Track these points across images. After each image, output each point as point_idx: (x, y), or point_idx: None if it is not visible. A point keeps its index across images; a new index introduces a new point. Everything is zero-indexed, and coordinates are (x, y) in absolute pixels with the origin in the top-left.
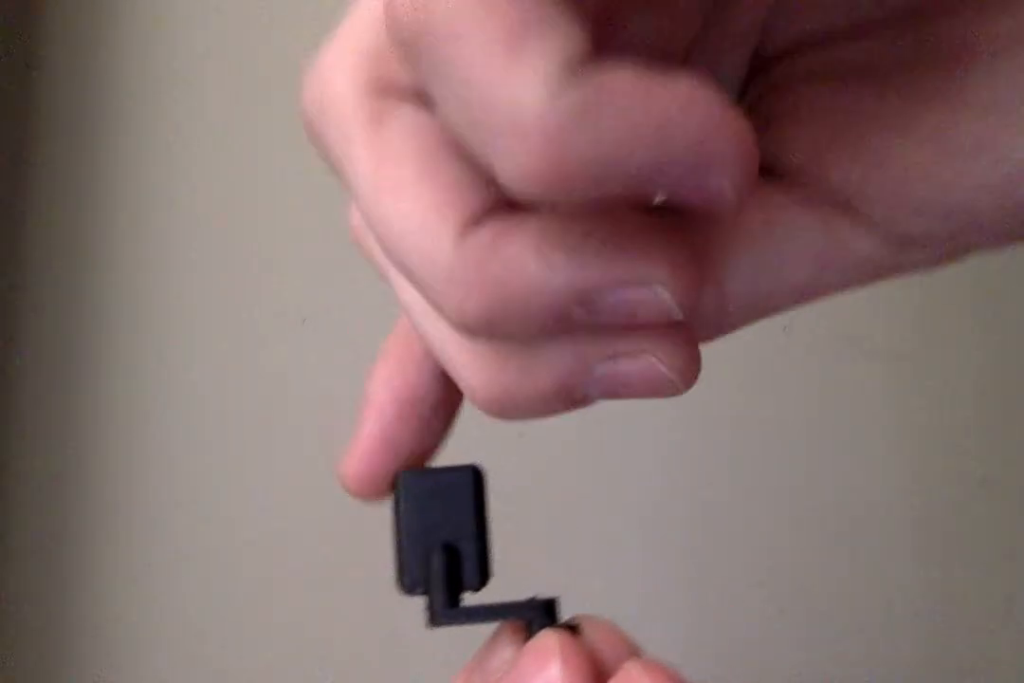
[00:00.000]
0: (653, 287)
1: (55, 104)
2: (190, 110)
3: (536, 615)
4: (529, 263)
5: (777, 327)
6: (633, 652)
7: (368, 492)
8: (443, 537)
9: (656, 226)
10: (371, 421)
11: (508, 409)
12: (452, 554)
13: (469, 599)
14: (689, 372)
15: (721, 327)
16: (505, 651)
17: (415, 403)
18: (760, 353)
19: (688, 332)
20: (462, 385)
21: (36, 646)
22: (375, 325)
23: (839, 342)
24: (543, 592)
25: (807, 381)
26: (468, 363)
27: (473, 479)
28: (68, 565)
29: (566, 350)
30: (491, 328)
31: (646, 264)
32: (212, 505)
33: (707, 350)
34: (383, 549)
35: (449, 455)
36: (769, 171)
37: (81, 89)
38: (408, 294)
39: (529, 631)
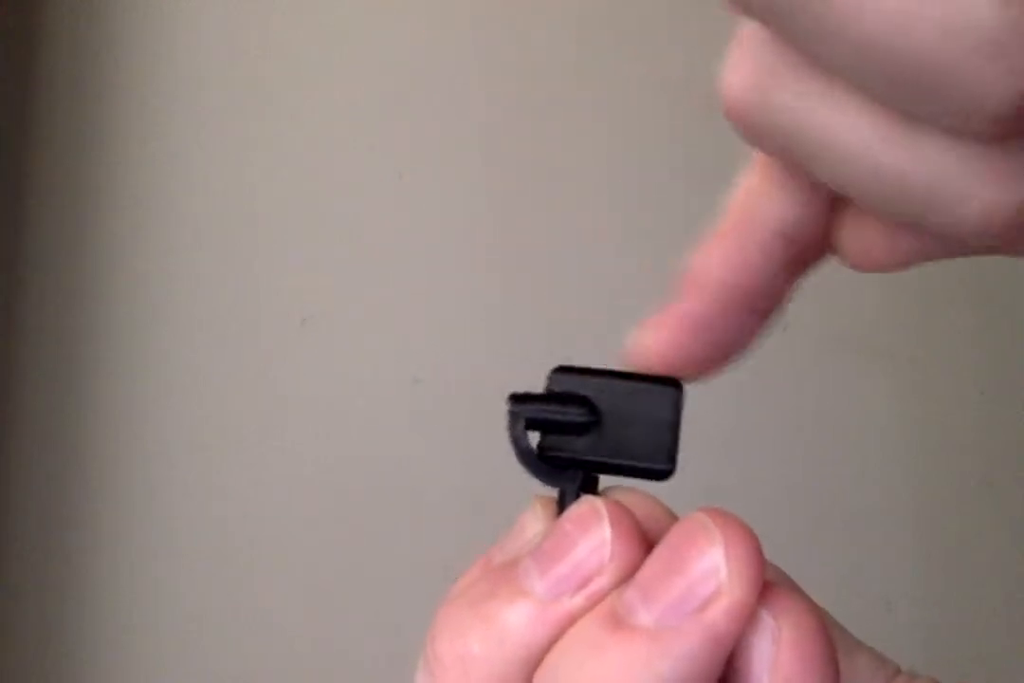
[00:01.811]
0: None
1: (56, 104)
2: (191, 113)
3: (570, 488)
4: None
5: (776, 328)
6: (675, 521)
7: (665, 366)
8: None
9: None
10: (690, 298)
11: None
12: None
13: None
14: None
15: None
16: (536, 525)
17: (749, 291)
18: (760, 352)
19: None
20: (963, 209)
21: (36, 646)
22: (375, 325)
23: (839, 342)
24: None
25: (807, 380)
26: (984, 173)
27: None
28: (68, 565)
29: None
30: None
31: None
32: (212, 504)
33: None
34: (383, 549)
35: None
36: None
37: (82, 90)
38: (857, 126)
39: (561, 505)
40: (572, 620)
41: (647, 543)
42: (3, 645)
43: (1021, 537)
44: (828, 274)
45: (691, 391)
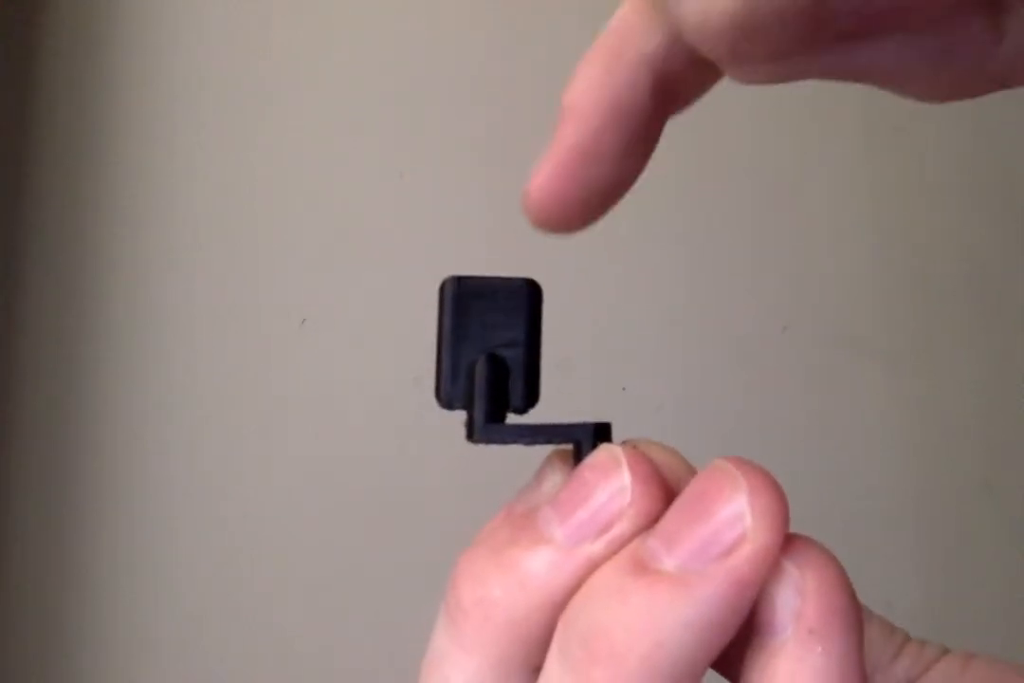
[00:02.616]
0: None
1: (57, 104)
2: (191, 113)
3: (587, 439)
4: None
5: (777, 327)
6: (693, 472)
7: (554, 216)
8: (491, 347)
9: None
10: (570, 131)
11: (744, 30)
12: (498, 365)
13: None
14: None
15: (984, 79)
16: (554, 476)
17: (626, 114)
18: (760, 352)
19: None
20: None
21: (36, 646)
22: (375, 325)
23: (839, 342)
24: None
25: (807, 381)
26: None
27: (529, 290)
28: (68, 565)
29: None
30: None
31: None
32: (212, 504)
33: (707, 350)
34: (383, 549)
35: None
36: None
37: (82, 90)
38: None
39: (578, 457)
40: (593, 566)
41: (667, 490)
42: (3, 645)
43: (1021, 537)
44: (828, 274)
45: (691, 391)
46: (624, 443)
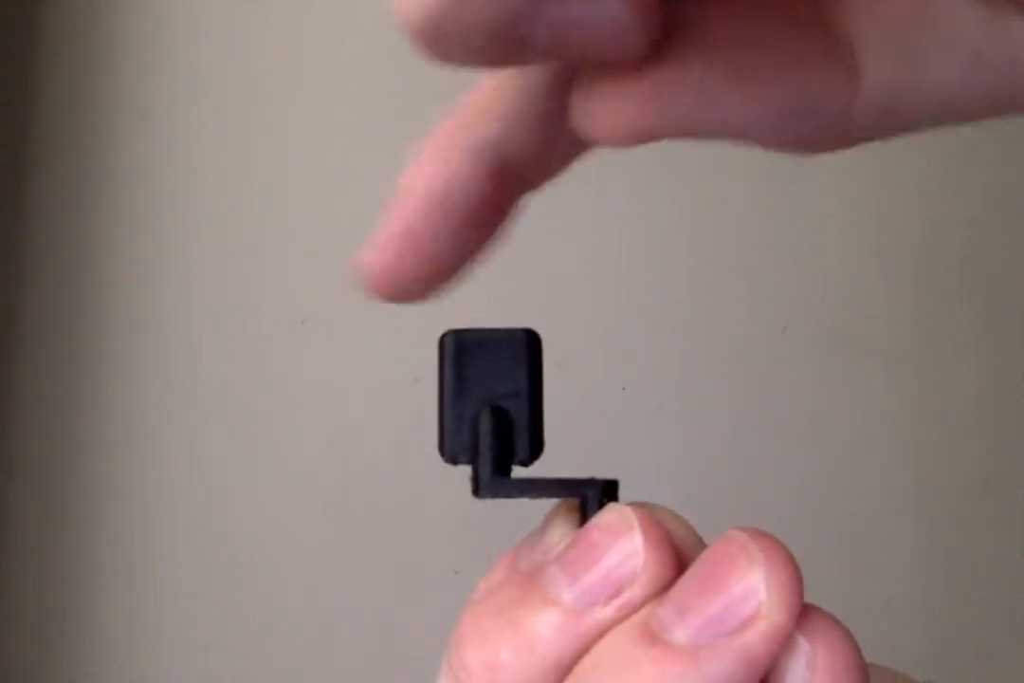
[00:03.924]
0: None
1: (57, 104)
2: (191, 113)
3: (593, 495)
4: None
5: (777, 327)
6: (699, 539)
7: (387, 291)
8: (493, 399)
9: None
10: (398, 212)
11: (439, 39)
12: (502, 418)
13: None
14: (651, 27)
15: (847, 130)
16: (560, 530)
17: (456, 197)
18: (760, 353)
19: None
20: (396, 9)
21: (36, 646)
22: (375, 325)
23: (839, 342)
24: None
25: (806, 381)
26: None
27: (528, 340)
28: (68, 566)
29: None
30: None
31: None
32: (212, 504)
33: (707, 350)
34: (384, 549)
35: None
36: None
37: (82, 90)
38: None
39: (584, 513)
40: (602, 631)
41: (678, 557)
42: (3, 645)
43: (1021, 537)
44: (828, 274)
45: (691, 391)
46: (632, 504)
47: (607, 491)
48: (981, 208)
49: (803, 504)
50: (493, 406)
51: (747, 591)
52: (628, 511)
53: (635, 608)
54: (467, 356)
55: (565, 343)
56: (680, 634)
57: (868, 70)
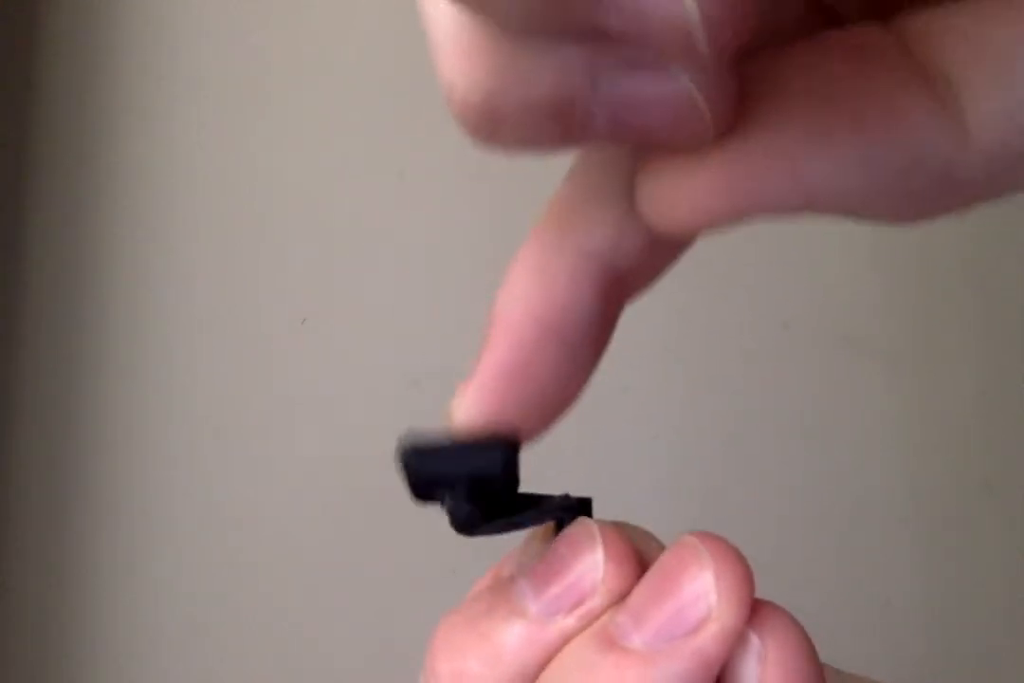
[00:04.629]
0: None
1: (57, 104)
2: (191, 112)
3: (567, 515)
4: None
5: (777, 325)
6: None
7: (483, 430)
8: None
9: None
10: (499, 346)
11: (490, 117)
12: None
13: None
14: (723, 105)
15: (956, 188)
16: (536, 544)
17: (564, 328)
18: (760, 352)
19: (731, 60)
20: (444, 84)
21: (36, 646)
22: (375, 325)
23: (839, 341)
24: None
25: (807, 380)
26: (456, 52)
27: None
28: (68, 566)
29: (574, 50)
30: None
31: None
32: (211, 504)
33: (707, 349)
34: (384, 550)
35: None
36: None
37: (82, 89)
38: None
39: (559, 529)
40: (565, 640)
41: (640, 566)
42: (3, 645)
43: (1021, 537)
44: (828, 273)
45: (691, 391)
46: (600, 520)
47: (580, 509)
48: (982, 209)
49: (803, 504)
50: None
51: (697, 595)
52: (593, 525)
53: (596, 617)
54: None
55: None
56: (637, 639)
57: (975, 108)
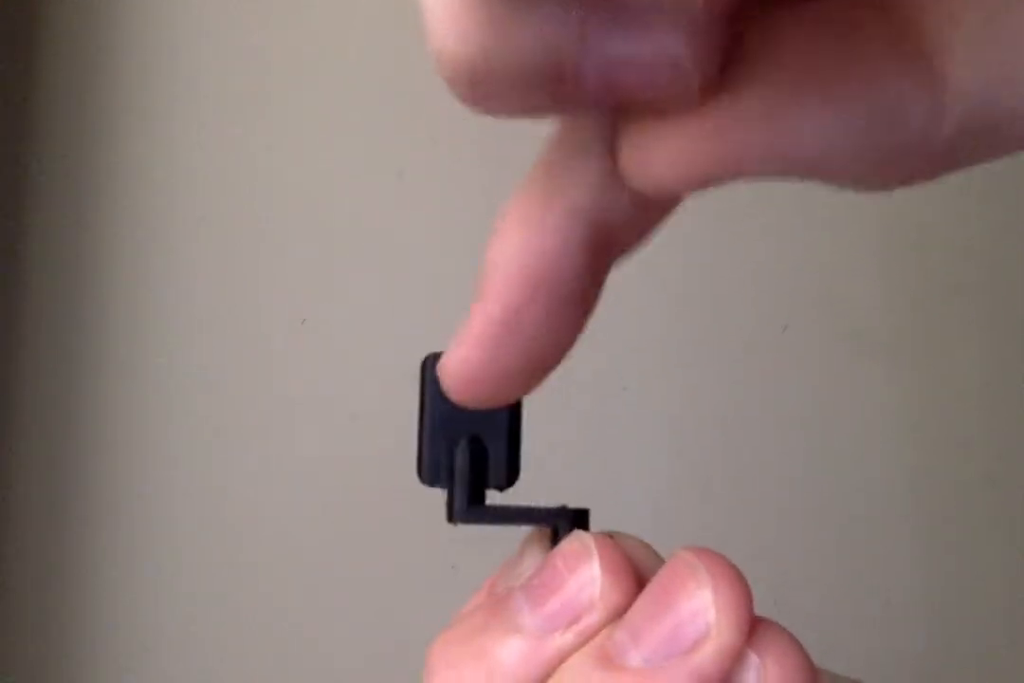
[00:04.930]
0: None
1: (57, 104)
2: (191, 112)
3: (564, 524)
4: None
5: (777, 325)
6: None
7: (478, 391)
8: (471, 429)
9: None
10: (490, 301)
11: (481, 80)
12: (479, 447)
13: (494, 500)
14: (711, 65)
15: (934, 150)
16: (532, 557)
17: (553, 280)
18: (760, 351)
19: (720, 17)
20: (434, 48)
21: (36, 646)
22: (375, 325)
23: (839, 340)
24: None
25: (807, 379)
26: (445, 14)
27: None
28: (68, 566)
29: (563, 9)
30: None
31: None
32: (211, 504)
33: (707, 349)
34: (384, 550)
35: None
36: None
37: (82, 89)
38: None
39: (555, 541)
40: (563, 656)
41: (637, 581)
42: (3, 645)
43: (1022, 531)
44: (828, 273)
45: (691, 391)
46: (597, 533)
47: (577, 520)
48: (982, 206)
49: (803, 503)
50: (471, 436)
51: (696, 612)
52: (589, 539)
53: (594, 633)
54: None
55: None
56: (635, 657)
57: (954, 69)
